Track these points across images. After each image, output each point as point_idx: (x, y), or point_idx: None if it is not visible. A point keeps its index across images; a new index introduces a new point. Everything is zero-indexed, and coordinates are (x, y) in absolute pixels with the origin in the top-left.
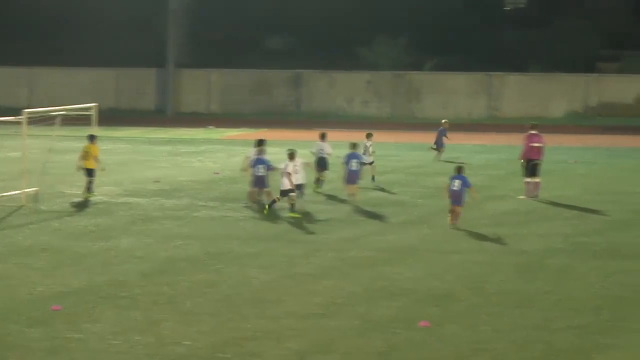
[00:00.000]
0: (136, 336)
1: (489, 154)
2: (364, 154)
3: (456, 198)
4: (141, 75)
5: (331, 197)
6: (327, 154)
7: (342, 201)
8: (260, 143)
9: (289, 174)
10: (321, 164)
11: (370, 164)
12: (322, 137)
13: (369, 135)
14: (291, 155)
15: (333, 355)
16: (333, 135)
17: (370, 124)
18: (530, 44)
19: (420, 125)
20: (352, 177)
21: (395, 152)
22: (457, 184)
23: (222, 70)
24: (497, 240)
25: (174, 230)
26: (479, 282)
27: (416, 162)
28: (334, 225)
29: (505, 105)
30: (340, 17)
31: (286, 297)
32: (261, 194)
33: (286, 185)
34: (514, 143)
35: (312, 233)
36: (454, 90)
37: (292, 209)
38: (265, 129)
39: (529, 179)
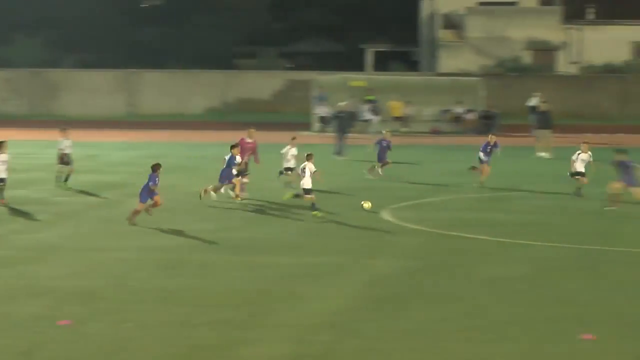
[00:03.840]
0: None
1: (130, 151)
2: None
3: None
4: None
5: None
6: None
7: None
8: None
9: None
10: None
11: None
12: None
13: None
14: None
15: None
16: None
17: (8, 121)
18: (169, 41)
19: (58, 123)
20: None
21: (33, 150)
22: None
23: None
24: (141, 237)
25: None
26: (123, 279)
27: (54, 159)
28: None
29: (144, 102)
30: None
31: None
32: None
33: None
34: (155, 139)
35: None
36: (93, 87)
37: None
38: None
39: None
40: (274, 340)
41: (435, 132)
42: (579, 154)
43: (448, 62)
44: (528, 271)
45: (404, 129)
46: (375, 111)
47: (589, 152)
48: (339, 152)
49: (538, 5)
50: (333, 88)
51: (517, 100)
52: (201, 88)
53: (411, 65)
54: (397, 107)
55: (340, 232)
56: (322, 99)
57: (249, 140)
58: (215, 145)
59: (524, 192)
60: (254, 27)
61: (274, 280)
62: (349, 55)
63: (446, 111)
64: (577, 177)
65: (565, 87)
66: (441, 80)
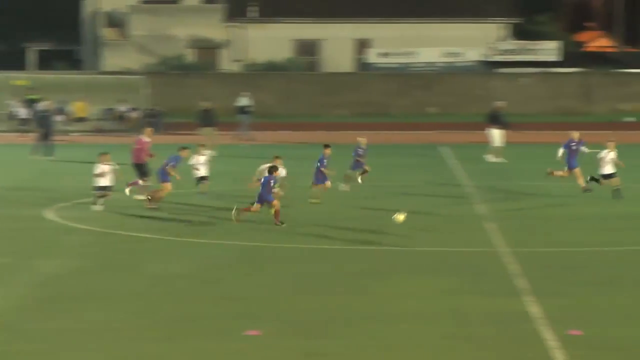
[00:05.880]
0: None
1: None
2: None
3: None
4: None
5: None
6: None
7: None
8: None
9: None
10: None
11: None
12: None
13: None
14: None
15: None
16: None
17: None
18: None
19: None
20: None
21: None
22: None
23: None
24: None
25: None
26: None
27: None
28: None
29: None
30: None
31: None
32: None
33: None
34: None
35: None
36: None
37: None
38: None
39: None
40: None
41: (99, 131)
42: (608, 152)
43: (112, 60)
44: (195, 269)
45: (69, 129)
46: (59, 110)
47: (615, 150)
48: (48, 153)
49: (201, 3)
50: None
51: (180, 98)
52: None
53: (75, 64)
54: (81, 107)
55: (2, 232)
56: None
57: (147, 140)
58: None
59: (184, 190)
60: None
61: None
62: (11, 55)
63: (110, 110)
64: (608, 179)
65: (228, 85)
66: (105, 79)
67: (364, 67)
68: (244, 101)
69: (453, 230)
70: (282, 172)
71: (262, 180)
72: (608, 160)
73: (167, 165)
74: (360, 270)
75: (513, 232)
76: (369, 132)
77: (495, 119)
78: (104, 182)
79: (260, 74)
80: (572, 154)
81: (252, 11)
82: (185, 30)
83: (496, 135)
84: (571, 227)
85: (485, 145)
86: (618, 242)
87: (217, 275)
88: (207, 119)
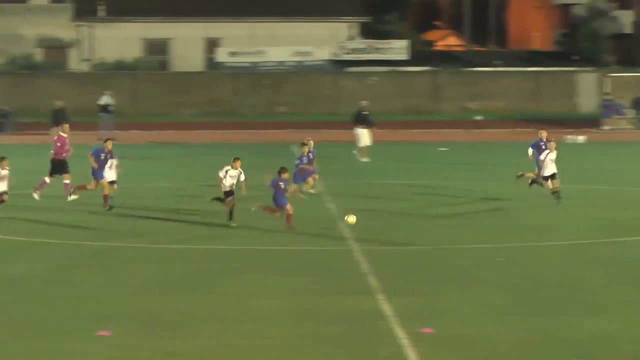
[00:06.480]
0: None
1: None
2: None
3: None
4: None
5: None
6: None
7: None
8: None
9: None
10: None
11: None
12: None
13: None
14: None
15: None
16: None
17: None
18: None
19: None
20: None
21: None
22: None
23: None
24: None
25: None
26: None
27: None
28: None
29: None
30: None
31: None
32: None
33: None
34: None
35: None
36: None
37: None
38: None
39: None
40: None
41: None
42: (548, 153)
43: None
44: (43, 269)
45: None
46: None
47: (555, 152)
48: None
49: (49, 2)
50: None
51: (30, 98)
52: None
53: None
54: None
55: None
56: None
57: (65, 135)
58: None
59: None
60: None
61: None
62: None
63: None
64: (550, 180)
65: (77, 85)
66: None
67: (214, 66)
68: (105, 99)
69: (305, 229)
70: (241, 176)
71: (271, 183)
72: (549, 161)
73: (101, 161)
74: (214, 270)
75: (364, 231)
76: (219, 132)
77: (361, 119)
78: (1, 186)
79: (110, 73)
80: (540, 154)
81: (101, 10)
82: (33, 29)
83: (362, 135)
84: (423, 226)
85: (334, 145)
86: (467, 240)
87: (67, 275)
88: (58, 118)
